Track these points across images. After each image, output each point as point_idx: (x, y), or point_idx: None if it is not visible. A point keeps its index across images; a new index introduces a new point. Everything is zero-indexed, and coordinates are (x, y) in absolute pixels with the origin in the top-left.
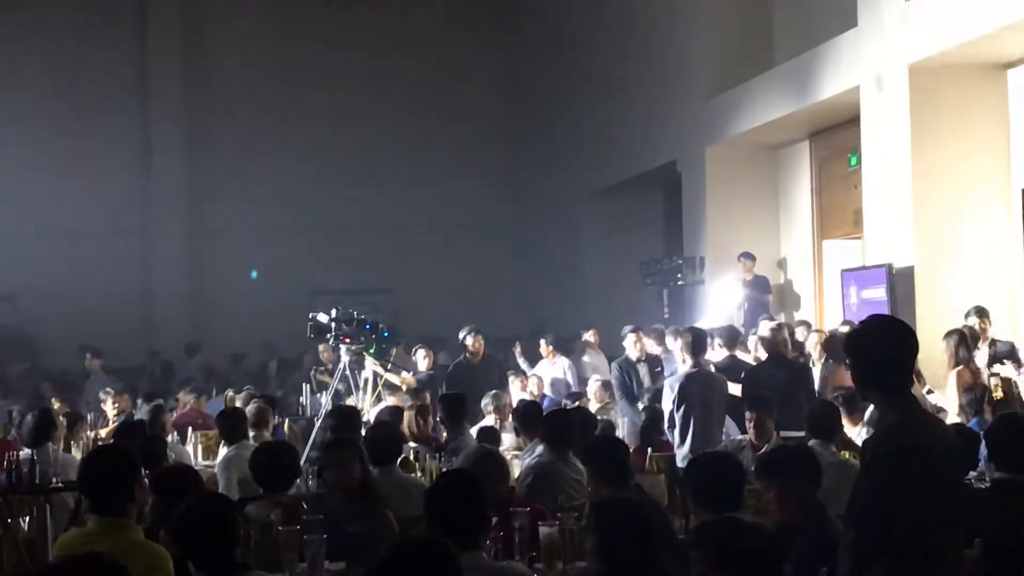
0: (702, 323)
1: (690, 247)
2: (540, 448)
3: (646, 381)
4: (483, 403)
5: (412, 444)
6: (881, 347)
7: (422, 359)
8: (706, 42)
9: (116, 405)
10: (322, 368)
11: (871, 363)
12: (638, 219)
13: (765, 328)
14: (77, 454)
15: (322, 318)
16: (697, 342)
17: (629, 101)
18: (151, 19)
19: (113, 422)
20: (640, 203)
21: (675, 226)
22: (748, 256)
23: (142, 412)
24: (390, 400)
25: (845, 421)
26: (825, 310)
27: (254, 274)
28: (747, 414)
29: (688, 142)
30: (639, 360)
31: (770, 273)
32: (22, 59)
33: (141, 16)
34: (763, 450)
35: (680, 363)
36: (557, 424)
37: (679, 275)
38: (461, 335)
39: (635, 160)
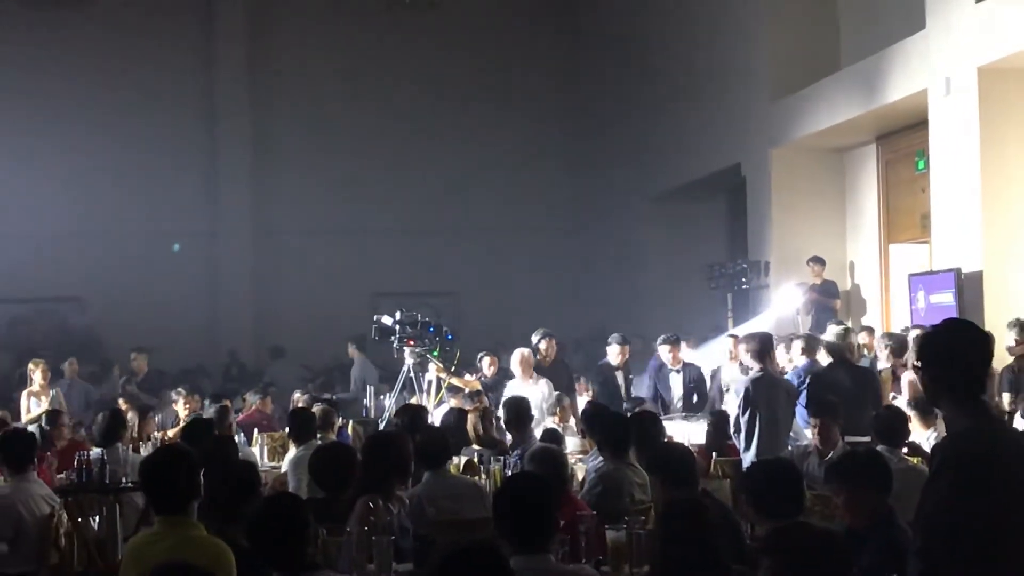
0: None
1: (755, 251)
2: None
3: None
4: (546, 405)
5: (476, 447)
6: (954, 351)
7: (487, 366)
8: (772, 44)
9: (187, 405)
10: None
11: (943, 367)
12: (701, 222)
13: (831, 332)
14: (146, 453)
15: (386, 320)
16: (764, 346)
17: (693, 103)
18: (218, 26)
19: (183, 422)
20: (704, 206)
21: (739, 229)
22: (817, 260)
23: (208, 413)
24: (452, 402)
25: (917, 424)
26: (892, 315)
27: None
28: (812, 420)
29: (753, 145)
30: (617, 368)
31: (836, 277)
32: (92, 64)
33: (208, 23)
34: (828, 456)
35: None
36: (616, 430)
37: (743, 279)
38: (534, 339)
39: (699, 163)
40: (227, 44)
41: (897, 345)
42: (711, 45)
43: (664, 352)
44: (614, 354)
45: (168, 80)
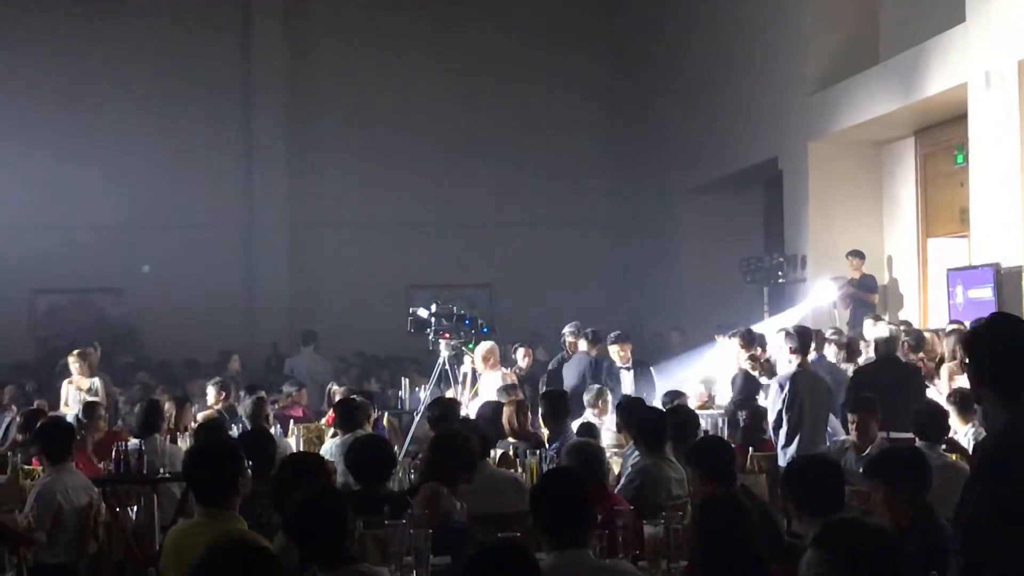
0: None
1: (791, 244)
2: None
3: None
4: (585, 398)
5: (511, 440)
6: (1001, 344)
7: (521, 357)
8: (810, 37)
9: (219, 397)
10: None
11: (989, 360)
12: (738, 216)
13: (883, 329)
14: (183, 444)
15: (422, 313)
16: (804, 341)
17: (731, 96)
18: (255, 18)
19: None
20: (740, 199)
21: (776, 223)
22: (856, 254)
23: (244, 404)
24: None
25: (955, 419)
26: (929, 309)
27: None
28: (850, 415)
29: (790, 138)
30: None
31: (873, 271)
32: (131, 57)
33: (245, 15)
34: (866, 451)
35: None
36: (653, 425)
37: (780, 273)
38: (565, 331)
39: (735, 156)
40: (264, 36)
41: (915, 341)
42: (750, 38)
43: (614, 351)
44: (613, 353)
45: (206, 72)
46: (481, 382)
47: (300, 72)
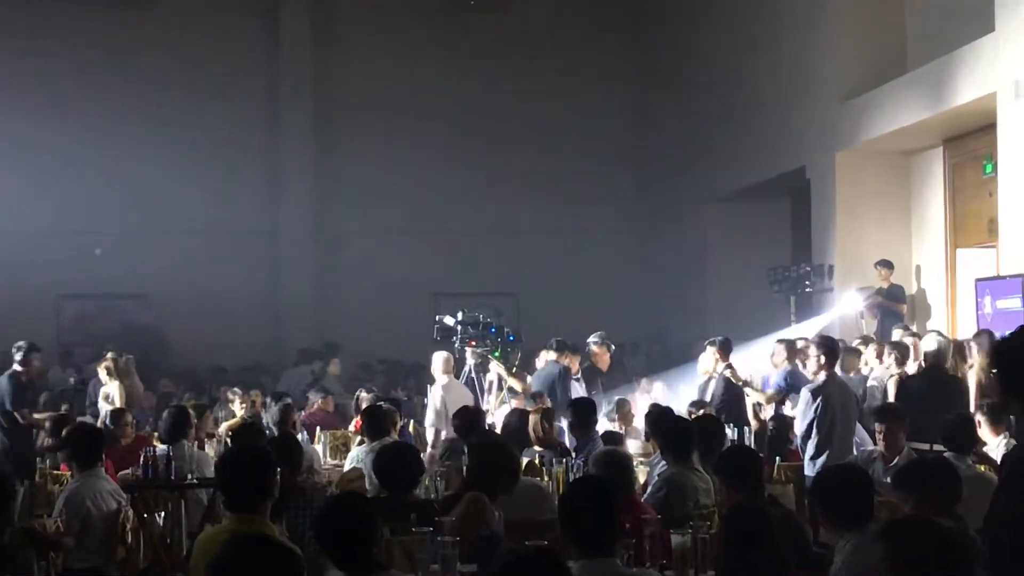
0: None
1: (819, 254)
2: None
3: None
4: (607, 409)
5: (537, 448)
6: None
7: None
8: (838, 46)
9: (243, 404)
10: None
11: (1017, 372)
12: (765, 225)
13: (932, 341)
14: (209, 450)
15: (448, 321)
16: (832, 351)
17: (757, 106)
18: (282, 26)
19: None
20: (767, 208)
21: (803, 233)
22: (885, 264)
23: (271, 411)
24: (514, 403)
25: (987, 431)
26: (958, 320)
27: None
28: (877, 425)
29: (818, 148)
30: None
31: (901, 281)
32: (157, 64)
33: (272, 23)
34: (893, 462)
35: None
36: (679, 434)
37: (807, 282)
38: (590, 341)
39: (763, 165)
40: (290, 44)
41: (901, 354)
42: (777, 47)
43: (564, 360)
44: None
45: (232, 79)
46: (435, 388)
47: (327, 80)
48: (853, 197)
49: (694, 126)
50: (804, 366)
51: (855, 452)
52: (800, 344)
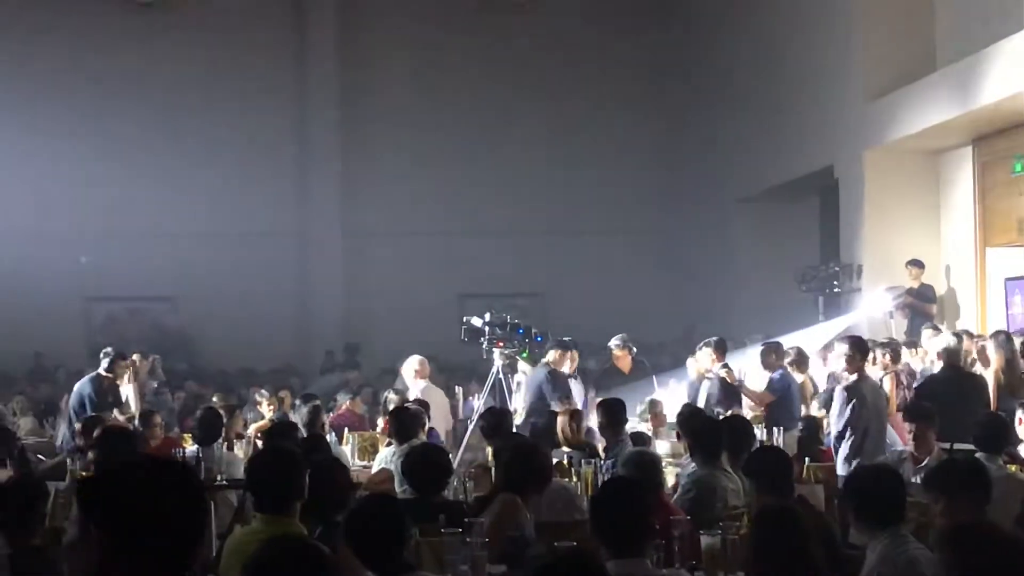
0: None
1: (847, 253)
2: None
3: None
4: (639, 410)
5: (565, 449)
6: None
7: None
8: (866, 45)
9: (271, 406)
10: None
11: None
12: (792, 224)
13: (946, 339)
14: (238, 452)
15: (476, 322)
16: (862, 350)
17: (785, 104)
18: (308, 27)
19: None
20: (795, 208)
21: (831, 232)
22: (916, 263)
23: (300, 412)
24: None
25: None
26: (988, 319)
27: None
28: (907, 425)
29: (846, 146)
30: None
31: (930, 281)
32: (183, 66)
33: (299, 28)
34: (923, 462)
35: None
36: (708, 435)
37: (835, 282)
38: (611, 344)
39: (790, 165)
40: (317, 46)
41: (894, 353)
42: (804, 45)
43: (566, 361)
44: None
45: (259, 84)
46: (410, 394)
47: (353, 83)
48: (882, 196)
49: (722, 126)
50: (825, 364)
51: (886, 453)
52: (785, 348)
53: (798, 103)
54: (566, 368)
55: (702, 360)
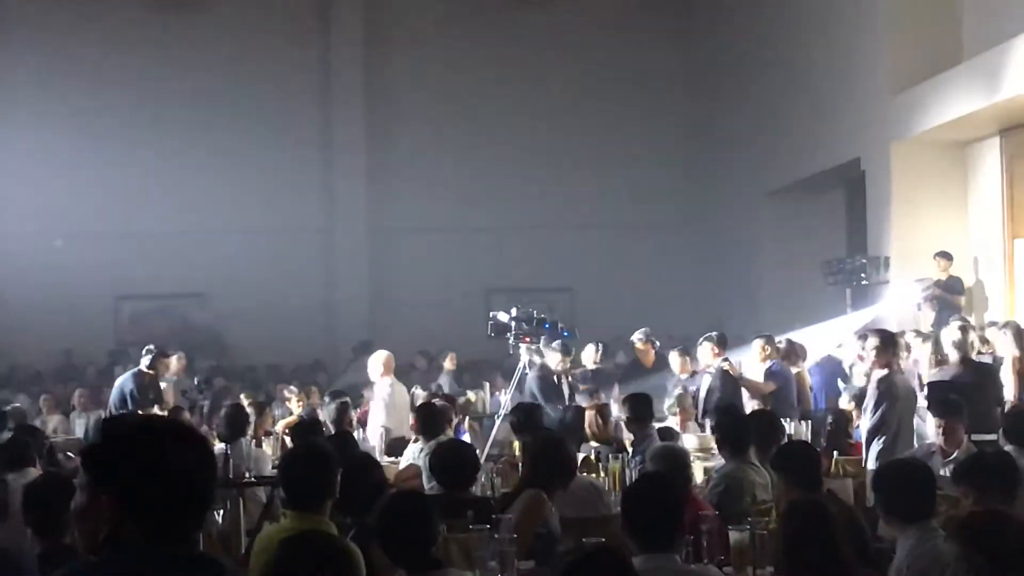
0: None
1: (874, 246)
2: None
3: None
4: (667, 404)
5: (593, 444)
6: None
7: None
8: (891, 36)
9: (300, 402)
10: None
11: None
12: (819, 217)
13: (954, 330)
14: (267, 448)
15: (502, 317)
16: (889, 343)
17: (811, 96)
18: (334, 22)
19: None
20: (822, 200)
21: (858, 224)
22: (944, 255)
23: (328, 408)
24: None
25: None
26: (1017, 310)
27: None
28: (935, 420)
29: (872, 139)
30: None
31: (958, 272)
32: (211, 64)
33: (324, 21)
34: (953, 455)
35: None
36: (736, 429)
37: (863, 274)
38: (634, 338)
39: (817, 157)
40: (343, 40)
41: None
42: (830, 37)
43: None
44: (555, 360)
45: (285, 79)
46: (376, 389)
47: (379, 78)
48: (909, 188)
49: (747, 119)
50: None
51: (915, 446)
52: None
53: (825, 95)
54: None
55: (703, 355)
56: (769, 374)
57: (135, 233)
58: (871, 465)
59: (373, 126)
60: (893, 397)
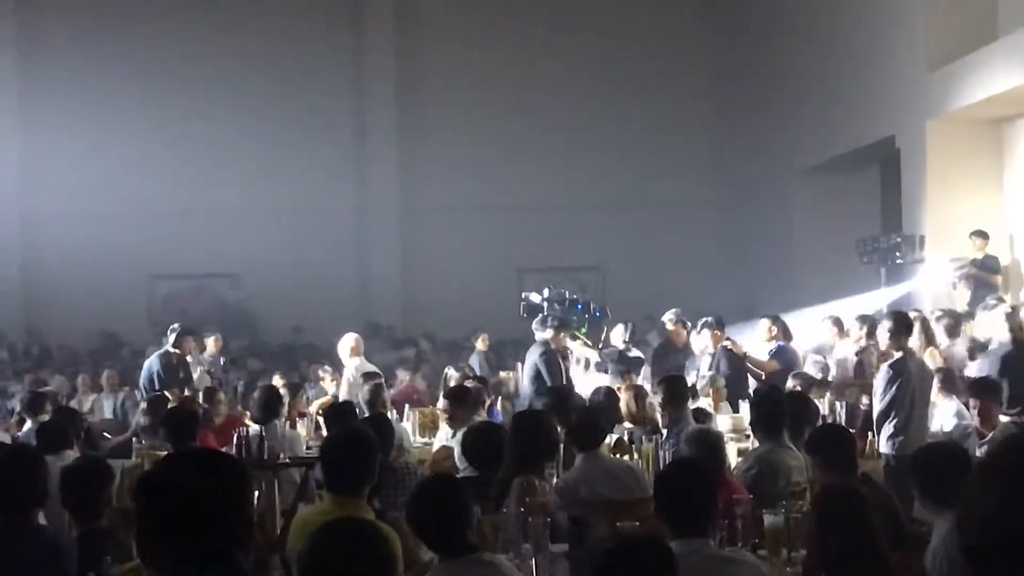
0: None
1: (909, 224)
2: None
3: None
4: (699, 385)
5: (627, 425)
6: None
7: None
8: (927, 13)
9: (334, 382)
10: None
11: None
12: (853, 196)
13: (1004, 310)
14: (301, 429)
15: (534, 298)
16: (905, 325)
17: (845, 74)
18: (366, 4)
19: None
20: (856, 179)
21: (893, 203)
22: (980, 234)
23: (362, 390)
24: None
25: None
26: None
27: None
28: (971, 400)
29: (908, 116)
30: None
31: (993, 251)
32: (244, 46)
33: (356, 4)
34: (988, 436)
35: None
36: (771, 411)
37: (897, 253)
38: (665, 319)
39: (851, 134)
40: (374, 23)
41: (871, 327)
42: (866, 14)
43: (560, 340)
44: (548, 338)
45: (317, 60)
46: (345, 371)
47: (410, 60)
48: (945, 166)
49: (780, 96)
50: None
51: (954, 425)
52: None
53: (859, 73)
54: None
55: (704, 340)
56: (774, 354)
57: (170, 213)
58: (884, 449)
59: (405, 108)
60: (905, 380)
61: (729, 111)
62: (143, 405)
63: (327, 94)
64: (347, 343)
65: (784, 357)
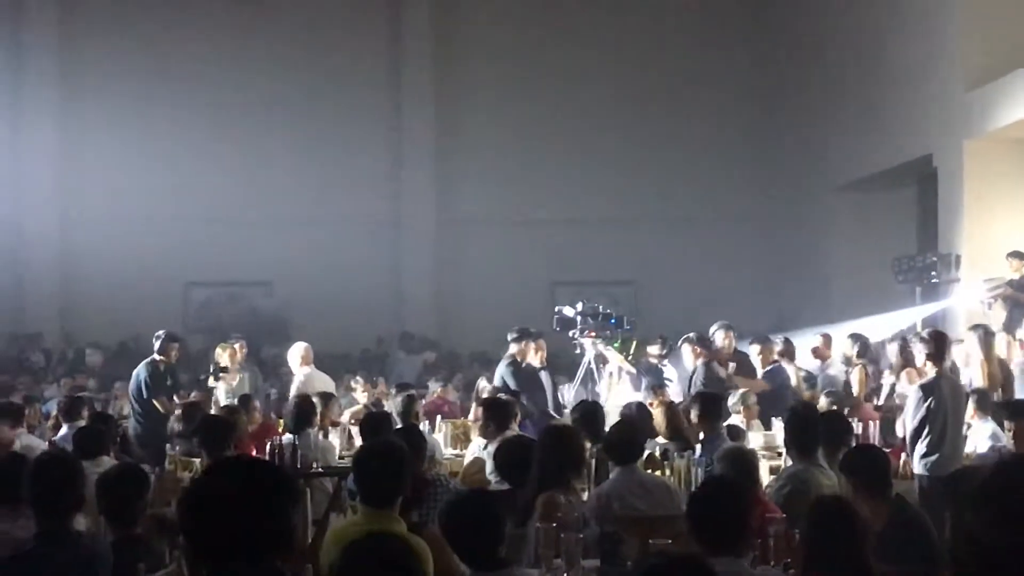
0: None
1: (945, 244)
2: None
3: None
4: (731, 402)
5: (660, 440)
6: None
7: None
8: (965, 33)
9: (366, 392)
10: None
11: None
12: (889, 214)
13: None
14: (333, 439)
15: (568, 312)
16: (940, 347)
17: (883, 92)
18: (404, 14)
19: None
20: (892, 197)
21: (929, 222)
22: (1017, 255)
23: (395, 401)
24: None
25: None
26: None
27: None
28: (1007, 423)
29: (945, 136)
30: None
31: None
32: (280, 55)
33: (394, 11)
34: None
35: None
36: (804, 430)
37: (933, 272)
38: (712, 331)
39: (888, 152)
40: (412, 33)
41: (863, 347)
42: (904, 33)
43: (526, 350)
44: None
45: (354, 70)
46: (295, 380)
47: (447, 70)
48: (982, 186)
49: (819, 112)
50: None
51: (988, 447)
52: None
53: (897, 91)
54: (533, 360)
55: (685, 357)
56: (766, 374)
57: (205, 220)
58: (917, 470)
59: (441, 119)
60: (936, 400)
61: (766, 127)
62: (177, 411)
63: (364, 104)
64: (297, 352)
65: (775, 378)
